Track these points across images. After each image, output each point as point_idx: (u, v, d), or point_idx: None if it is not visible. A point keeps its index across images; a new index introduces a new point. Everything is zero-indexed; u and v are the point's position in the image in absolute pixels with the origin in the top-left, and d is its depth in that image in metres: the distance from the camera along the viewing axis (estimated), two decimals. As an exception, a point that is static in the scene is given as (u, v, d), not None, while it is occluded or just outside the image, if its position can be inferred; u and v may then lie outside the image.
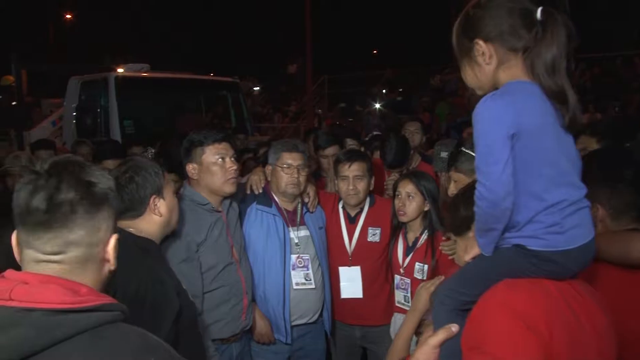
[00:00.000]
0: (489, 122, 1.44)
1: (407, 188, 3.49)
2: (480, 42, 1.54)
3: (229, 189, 3.20)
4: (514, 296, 1.45)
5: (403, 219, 3.54)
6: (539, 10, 1.48)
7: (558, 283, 1.50)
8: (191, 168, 3.18)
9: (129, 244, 2.36)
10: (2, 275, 1.31)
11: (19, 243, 1.34)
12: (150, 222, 2.49)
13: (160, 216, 2.50)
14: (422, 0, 27.06)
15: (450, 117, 15.96)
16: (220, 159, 3.16)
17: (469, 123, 13.51)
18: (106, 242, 1.40)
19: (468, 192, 1.73)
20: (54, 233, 1.31)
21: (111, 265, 1.44)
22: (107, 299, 1.34)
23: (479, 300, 1.51)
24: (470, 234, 1.70)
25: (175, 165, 3.64)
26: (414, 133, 5.08)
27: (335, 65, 24.20)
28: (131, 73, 9.78)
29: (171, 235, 2.82)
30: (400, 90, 20.04)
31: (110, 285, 1.45)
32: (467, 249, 1.67)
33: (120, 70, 9.73)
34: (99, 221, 1.37)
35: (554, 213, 1.46)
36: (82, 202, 1.33)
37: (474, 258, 1.63)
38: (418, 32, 27.59)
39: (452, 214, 1.85)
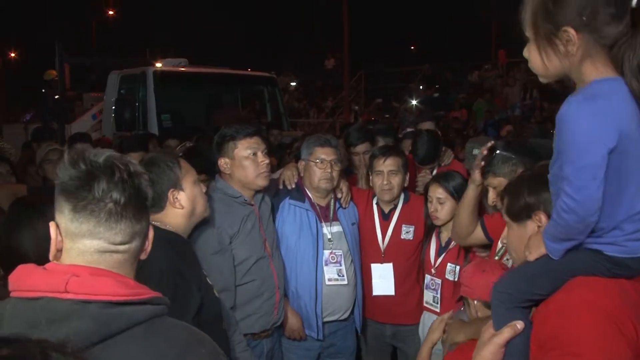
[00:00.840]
0: (588, 135, 1.32)
1: (438, 193, 3.44)
2: (571, 31, 1.37)
3: (262, 182, 3.21)
4: (599, 296, 1.41)
5: (437, 222, 3.50)
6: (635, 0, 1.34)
7: (631, 281, 1.47)
8: (223, 162, 3.19)
9: (174, 242, 2.42)
10: (45, 268, 1.30)
11: (72, 234, 1.34)
12: (173, 216, 2.49)
13: (182, 208, 2.50)
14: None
15: (488, 114, 15.75)
16: (252, 153, 3.17)
17: (507, 120, 13.37)
18: (147, 234, 1.45)
19: (534, 179, 1.68)
20: (126, 223, 1.34)
21: (144, 254, 1.47)
22: (155, 293, 1.36)
23: (556, 299, 1.46)
24: (531, 224, 1.65)
25: (206, 164, 3.66)
26: (439, 135, 5.02)
27: (373, 61, 24.11)
28: (169, 67, 9.87)
29: (204, 227, 2.84)
30: (437, 86, 19.84)
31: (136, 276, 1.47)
32: (531, 247, 1.56)
33: (158, 64, 9.84)
34: (148, 213, 1.43)
35: (636, 221, 1.41)
36: (147, 193, 1.40)
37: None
38: (456, 28, 27.32)
39: (513, 199, 1.72)
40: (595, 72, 1.38)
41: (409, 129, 6.67)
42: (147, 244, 1.46)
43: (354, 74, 21.12)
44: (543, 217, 1.60)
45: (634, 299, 1.43)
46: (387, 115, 17.88)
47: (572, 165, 1.35)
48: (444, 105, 17.13)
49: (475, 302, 2.34)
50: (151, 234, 1.47)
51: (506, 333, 1.51)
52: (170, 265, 2.26)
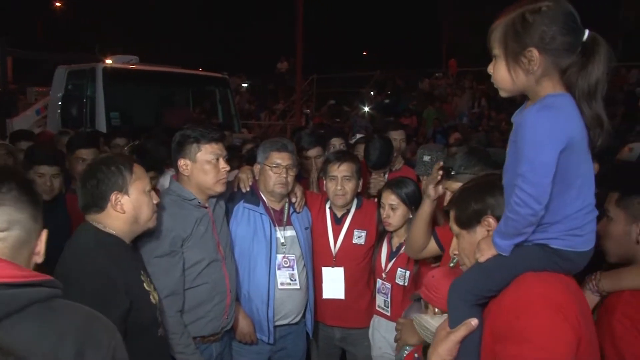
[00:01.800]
0: (544, 136, 1.50)
1: (390, 199, 3.48)
2: (535, 52, 1.55)
3: (220, 188, 3.20)
4: (549, 289, 1.57)
5: (389, 228, 3.54)
6: (587, 31, 1.54)
7: (569, 277, 1.66)
8: (183, 164, 3.15)
9: (83, 235, 2.43)
10: None
11: None
12: (114, 218, 2.47)
13: (123, 213, 2.47)
14: (413, 4, 27.20)
15: (437, 122, 16.06)
16: (215, 159, 3.15)
17: (455, 128, 13.63)
18: (39, 234, 1.52)
19: (478, 187, 1.86)
20: (3, 210, 1.42)
21: (39, 258, 1.53)
22: (47, 276, 1.44)
23: (509, 294, 1.61)
24: (480, 229, 1.79)
25: (151, 162, 3.62)
26: (400, 142, 5.08)
27: (324, 65, 24.22)
28: (119, 65, 9.70)
29: (156, 229, 2.80)
30: (389, 92, 20.09)
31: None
32: (481, 249, 1.70)
33: (108, 61, 9.65)
34: (38, 212, 1.50)
35: (577, 218, 1.58)
36: (30, 189, 1.50)
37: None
38: (408, 36, 27.71)
39: (460, 209, 1.87)
40: (551, 88, 1.57)
41: (359, 135, 6.72)
42: (38, 245, 1.52)
43: (305, 78, 21.16)
44: (492, 221, 1.75)
45: (574, 292, 1.63)
46: (337, 120, 17.99)
47: (528, 163, 1.51)
48: (394, 112, 17.36)
49: (436, 309, 2.37)
50: (44, 236, 1.53)
51: (462, 330, 1.65)
52: (97, 268, 2.28)
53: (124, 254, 2.48)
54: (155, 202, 2.63)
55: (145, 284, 2.48)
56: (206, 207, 3.21)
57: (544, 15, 1.53)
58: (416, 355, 2.48)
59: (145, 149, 4.15)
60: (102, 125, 8.77)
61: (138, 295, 2.38)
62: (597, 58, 1.53)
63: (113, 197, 2.45)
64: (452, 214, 1.91)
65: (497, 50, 1.63)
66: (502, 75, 1.62)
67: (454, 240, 1.96)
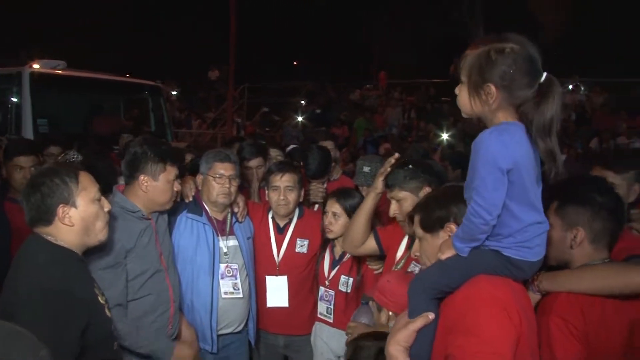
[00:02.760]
0: (494, 155, 1.67)
1: (334, 208, 3.58)
2: (492, 87, 1.73)
3: (169, 206, 3.25)
4: (496, 288, 1.75)
5: (330, 235, 3.63)
6: (544, 75, 1.71)
7: (517, 283, 1.86)
8: (143, 180, 3.12)
9: (34, 250, 2.33)
10: None
11: None
12: (65, 231, 2.39)
13: (72, 225, 2.39)
14: (343, 18, 27.57)
15: (367, 132, 16.35)
16: (173, 180, 3.20)
17: (385, 138, 13.90)
18: None
19: (443, 196, 2.08)
20: None
21: None
22: None
23: (462, 291, 1.79)
24: (442, 233, 1.98)
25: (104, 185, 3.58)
26: (332, 152, 5.17)
27: (256, 75, 24.20)
28: (47, 70, 9.35)
29: (100, 242, 2.76)
30: (320, 102, 20.29)
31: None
32: (443, 249, 1.88)
33: (35, 65, 9.29)
34: None
35: (526, 232, 1.77)
36: None
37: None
38: (339, 48, 28.05)
39: (425, 214, 2.06)
40: (505, 117, 1.76)
41: (292, 145, 6.78)
42: None
43: (237, 87, 21.07)
44: (454, 227, 1.94)
45: (519, 295, 1.82)
46: (267, 129, 18.01)
47: (480, 179, 1.70)
48: (325, 122, 17.55)
49: (391, 312, 2.47)
50: None
51: (420, 322, 1.83)
52: (54, 285, 2.20)
53: (79, 268, 2.41)
54: (106, 209, 2.56)
55: (99, 298, 2.42)
56: (149, 219, 3.20)
57: (507, 56, 1.71)
58: None
59: (97, 170, 4.07)
60: (28, 133, 8.43)
61: (95, 310, 2.33)
62: (550, 99, 1.70)
63: (60, 210, 2.37)
64: (416, 218, 2.09)
65: (463, 77, 1.80)
66: (464, 100, 1.81)
67: (417, 242, 2.14)
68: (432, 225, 2.03)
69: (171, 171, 3.17)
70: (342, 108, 19.74)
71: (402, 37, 25.03)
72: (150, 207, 3.17)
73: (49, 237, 2.36)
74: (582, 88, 17.37)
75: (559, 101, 1.72)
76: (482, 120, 1.82)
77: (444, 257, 1.86)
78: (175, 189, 3.21)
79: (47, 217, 2.36)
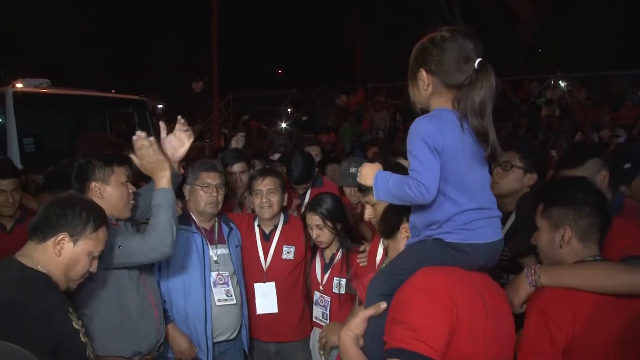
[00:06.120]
0: (423, 134, 1.77)
1: (314, 220, 3.58)
2: (423, 72, 1.85)
3: (128, 213, 3.20)
4: (429, 278, 1.79)
5: (322, 246, 3.64)
6: (477, 61, 1.78)
7: (470, 273, 1.86)
8: (95, 186, 3.09)
9: (6, 269, 2.32)
10: None
11: None
12: (47, 256, 2.39)
13: (59, 256, 2.40)
14: (325, 25, 27.66)
15: (355, 137, 16.38)
16: (126, 182, 3.17)
17: (372, 142, 13.90)
18: None
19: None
20: None
21: None
22: None
23: (404, 284, 1.83)
24: (399, 235, 2.10)
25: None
26: (315, 157, 5.22)
27: (240, 84, 24.20)
28: (31, 88, 9.33)
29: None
30: (306, 110, 20.32)
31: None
32: (363, 174, 1.99)
33: (18, 85, 9.27)
34: None
35: (465, 215, 1.81)
36: None
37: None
38: (322, 54, 28.11)
39: (383, 224, 2.18)
40: (439, 104, 1.86)
41: (277, 153, 6.81)
42: None
43: (221, 98, 21.08)
44: (407, 225, 2.01)
45: (465, 285, 1.82)
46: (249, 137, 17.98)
47: (415, 160, 1.78)
48: (312, 129, 17.58)
49: None
50: None
51: (371, 310, 1.90)
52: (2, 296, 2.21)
53: (47, 290, 2.37)
54: (92, 269, 2.56)
55: (74, 323, 2.40)
56: (117, 225, 3.16)
57: (436, 43, 1.82)
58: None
59: (61, 173, 4.13)
60: (14, 152, 8.39)
61: (66, 333, 2.31)
62: (479, 83, 1.77)
63: (60, 236, 2.39)
64: (379, 230, 2.23)
65: (409, 68, 1.92)
66: (410, 92, 1.95)
67: (367, 208, 2.36)
68: (390, 232, 2.15)
69: (120, 172, 3.14)
70: (328, 114, 19.77)
71: (381, 40, 25.16)
72: (110, 213, 3.04)
73: (24, 260, 2.36)
74: (564, 83, 17.50)
75: (488, 86, 1.78)
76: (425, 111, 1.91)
77: (360, 180, 1.99)
78: (129, 190, 3.17)
79: (46, 232, 2.38)
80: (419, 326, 1.69)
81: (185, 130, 3.30)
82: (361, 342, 1.92)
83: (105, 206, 3.03)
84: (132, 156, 3.16)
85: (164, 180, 3.08)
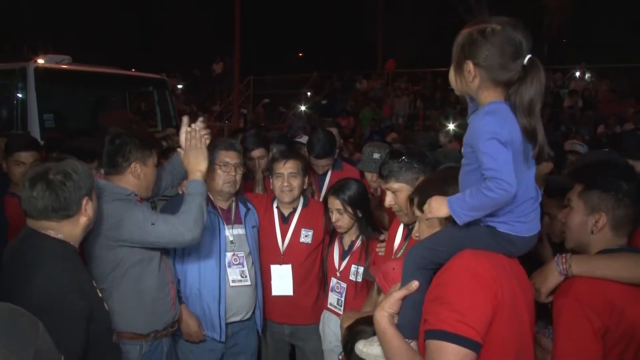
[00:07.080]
0: (489, 134, 1.71)
1: (336, 204, 3.56)
2: (470, 64, 1.80)
3: (150, 194, 3.34)
4: (476, 263, 1.79)
5: (340, 230, 3.63)
6: (528, 57, 1.75)
7: (509, 259, 1.89)
8: (135, 167, 3.15)
9: (39, 247, 2.31)
10: None
11: None
12: (77, 225, 2.40)
13: (87, 218, 2.43)
14: (347, 10, 27.48)
15: (374, 122, 16.31)
16: (156, 165, 3.29)
17: (391, 128, 13.85)
18: None
19: (438, 178, 2.17)
20: None
21: None
22: None
23: (448, 264, 1.84)
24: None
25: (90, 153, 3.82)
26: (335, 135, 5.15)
27: (261, 66, 24.17)
28: (52, 64, 9.33)
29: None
30: (326, 93, 20.26)
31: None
32: (431, 207, 1.90)
33: (40, 60, 9.28)
34: None
35: (521, 207, 1.80)
36: None
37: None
38: (344, 39, 27.97)
39: (422, 195, 2.11)
40: (492, 97, 1.81)
41: (297, 138, 6.78)
42: None
43: (242, 79, 21.07)
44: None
45: (506, 270, 1.84)
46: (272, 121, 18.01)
47: (489, 159, 1.71)
48: (331, 112, 17.53)
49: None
50: None
51: (403, 291, 1.92)
52: (71, 282, 2.23)
53: (80, 263, 2.43)
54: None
55: (98, 291, 2.43)
56: (141, 202, 3.20)
57: (487, 36, 1.76)
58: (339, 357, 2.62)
59: (78, 146, 4.27)
60: (34, 128, 8.42)
61: (95, 304, 2.33)
62: (528, 81, 1.74)
63: (84, 202, 2.40)
64: (415, 200, 2.17)
65: (453, 56, 1.87)
66: (451, 78, 1.90)
67: (417, 224, 2.26)
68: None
69: (155, 155, 3.26)
70: (347, 99, 19.70)
71: (406, 27, 24.92)
72: (140, 193, 3.19)
73: (49, 232, 2.34)
74: (589, 75, 17.24)
75: (538, 84, 1.75)
76: (473, 99, 1.88)
77: (430, 215, 1.91)
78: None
79: (73, 207, 2.36)
80: (463, 308, 1.70)
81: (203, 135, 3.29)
82: (396, 319, 1.94)
83: (137, 185, 3.16)
84: (181, 142, 3.31)
85: (199, 174, 3.22)
